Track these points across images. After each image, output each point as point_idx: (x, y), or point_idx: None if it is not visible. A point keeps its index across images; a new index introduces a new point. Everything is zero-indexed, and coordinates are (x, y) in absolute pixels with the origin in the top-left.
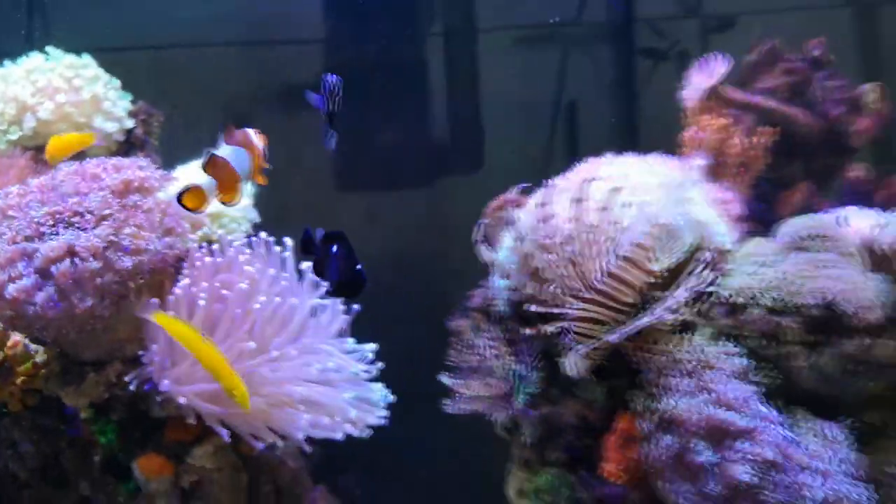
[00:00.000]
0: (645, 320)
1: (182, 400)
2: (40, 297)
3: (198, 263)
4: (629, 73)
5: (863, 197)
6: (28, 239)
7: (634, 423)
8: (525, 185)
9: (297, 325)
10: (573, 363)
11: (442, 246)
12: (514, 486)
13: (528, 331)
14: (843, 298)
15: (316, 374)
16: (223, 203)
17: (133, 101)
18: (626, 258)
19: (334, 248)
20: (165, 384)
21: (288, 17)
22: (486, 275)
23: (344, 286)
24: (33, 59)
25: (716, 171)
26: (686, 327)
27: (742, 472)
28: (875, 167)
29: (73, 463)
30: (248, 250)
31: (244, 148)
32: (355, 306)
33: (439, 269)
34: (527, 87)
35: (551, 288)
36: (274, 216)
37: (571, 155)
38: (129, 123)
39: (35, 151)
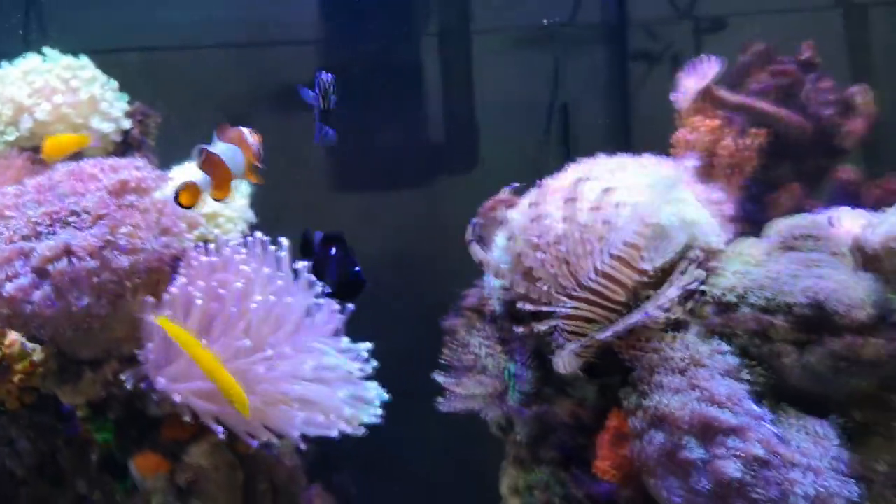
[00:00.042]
0: (636, 318)
1: (177, 398)
2: (37, 295)
3: (194, 263)
4: (623, 74)
5: (853, 197)
6: (25, 238)
7: (626, 421)
8: (517, 184)
9: (292, 324)
10: (564, 361)
11: (437, 246)
12: (508, 483)
13: (520, 329)
14: (832, 297)
15: (311, 373)
16: (215, 200)
17: (130, 102)
18: (617, 257)
19: (333, 250)
20: (161, 382)
21: (283, 19)
22: (480, 274)
23: (343, 288)
24: (30, 61)
25: (707, 172)
26: (677, 326)
27: (732, 469)
28: (865, 168)
29: (70, 461)
30: (243, 250)
31: (238, 146)
32: (350, 306)
33: (434, 268)
34: (521, 88)
35: (543, 287)
36: (270, 216)
37: (565, 155)
38: (126, 124)
39: (32, 152)
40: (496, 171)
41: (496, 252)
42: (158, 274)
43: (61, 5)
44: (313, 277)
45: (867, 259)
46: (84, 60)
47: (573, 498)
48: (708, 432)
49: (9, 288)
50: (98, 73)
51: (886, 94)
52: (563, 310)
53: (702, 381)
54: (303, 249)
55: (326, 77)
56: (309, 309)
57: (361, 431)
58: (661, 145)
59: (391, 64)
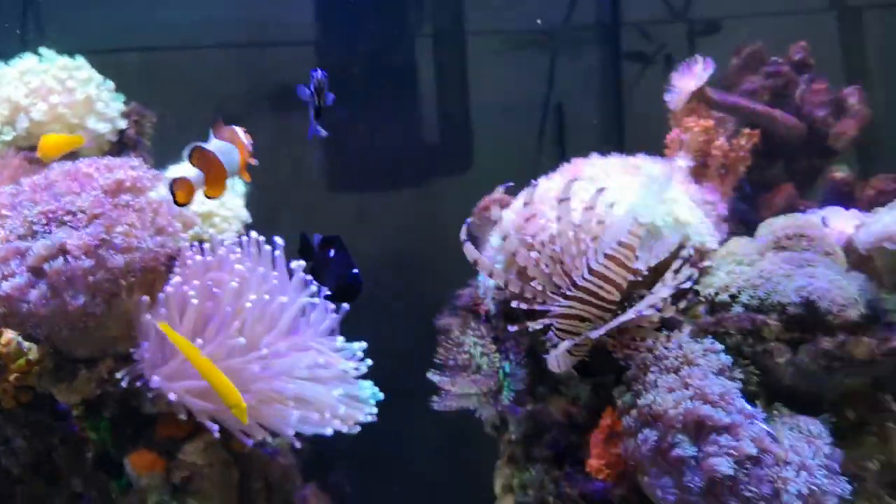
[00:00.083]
0: (627, 316)
1: (172, 396)
2: (34, 294)
3: (189, 262)
4: (617, 75)
5: (844, 198)
6: (21, 237)
7: (620, 419)
8: (510, 183)
9: (286, 323)
10: (558, 359)
11: (431, 246)
12: (502, 482)
13: (514, 328)
14: (824, 297)
15: (305, 371)
16: (208, 197)
17: (126, 102)
18: (611, 257)
19: (331, 253)
20: (155, 380)
21: (279, 20)
22: (474, 274)
23: (341, 290)
24: (27, 61)
25: (701, 172)
26: (671, 325)
27: (724, 466)
28: (858, 169)
29: (65, 459)
30: (238, 249)
31: (232, 144)
32: (345, 306)
33: (428, 268)
34: (516, 89)
35: (537, 286)
36: (265, 216)
37: (560, 156)
38: (122, 124)
39: (28, 152)
40: (491, 172)
41: (490, 251)
42: (153, 273)
43: (58, 5)
44: (308, 277)
45: (859, 259)
46: (80, 61)
47: (566, 496)
48: (700, 430)
49: (5, 287)
50: (94, 73)
51: (880, 96)
52: (557, 308)
53: (694, 380)
54: (301, 252)
55: (320, 75)
56: (303, 308)
57: (356, 430)
58: (655, 146)
59: (386, 65)
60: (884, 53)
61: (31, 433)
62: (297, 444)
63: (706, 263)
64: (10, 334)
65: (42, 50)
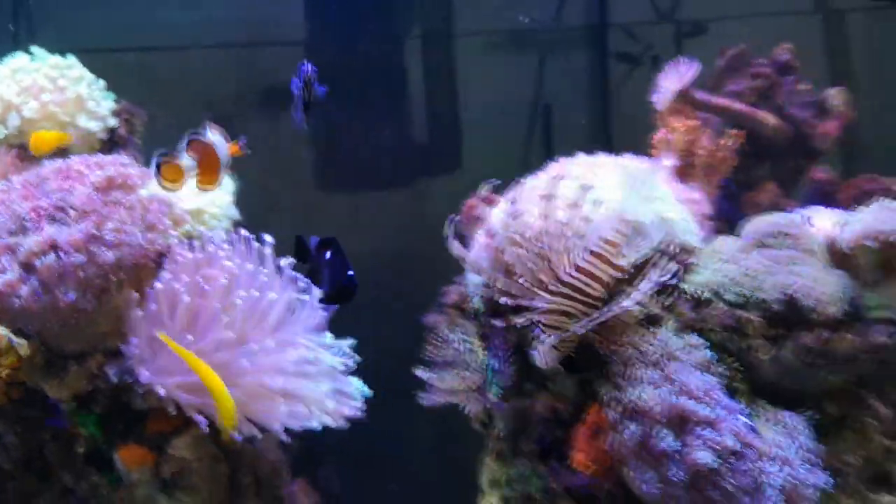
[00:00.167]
0: (611, 311)
1: (161, 391)
2: (25, 290)
3: (179, 258)
4: (604, 76)
5: (827, 197)
6: (12, 234)
7: (603, 414)
8: (495, 181)
9: (275, 319)
10: (542, 354)
11: (420, 244)
12: (488, 477)
13: (498, 323)
14: (805, 293)
15: (293, 367)
16: (202, 186)
17: (116, 101)
18: (595, 254)
19: (327, 255)
20: (145, 375)
21: (270, 20)
22: (462, 272)
23: (337, 292)
24: (18, 60)
25: (686, 172)
26: (652, 321)
27: (705, 458)
28: (842, 169)
29: (56, 455)
30: (228, 246)
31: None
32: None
33: (417, 267)
34: (504, 90)
35: (522, 282)
36: (255, 215)
37: (547, 155)
38: (113, 122)
39: (20, 149)
40: (480, 172)
41: (476, 249)
42: (144, 269)
43: (49, 5)
44: (297, 274)
45: (841, 257)
46: (71, 60)
47: (552, 491)
48: (682, 424)
49: None
50: (85, 71)
51: (864, 98)
52: (543, 304)
53: (676, 375)
54: (298, 254)
55: (309, 69)
56: (292, 305)
57: (344, 425)
58: (641, 146)
59: (375, 66)
60: (868, 55)
61: (23, 429)
62: (286, 438)
63: (690, 261)
64: (0, 330)
65: (34, 49)
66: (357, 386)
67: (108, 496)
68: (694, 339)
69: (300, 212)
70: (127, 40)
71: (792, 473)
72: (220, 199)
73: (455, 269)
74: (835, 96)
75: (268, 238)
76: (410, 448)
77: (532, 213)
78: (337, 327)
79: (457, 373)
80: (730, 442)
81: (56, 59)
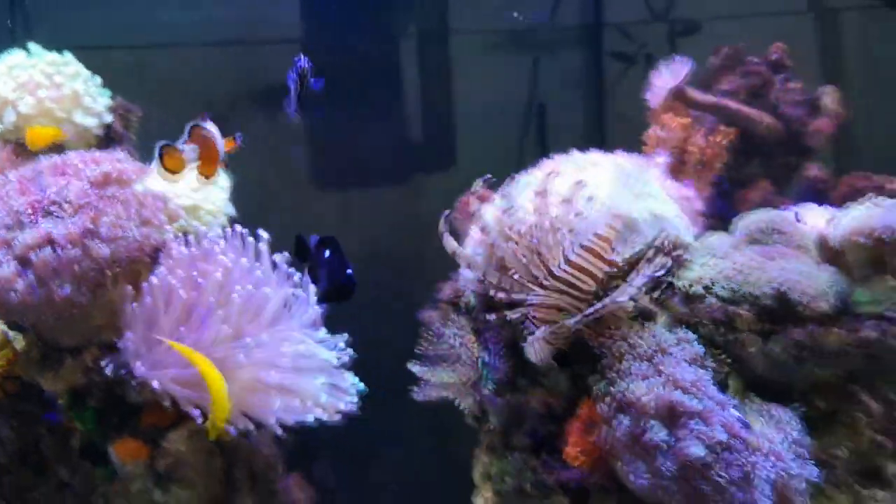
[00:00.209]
0: (603, 304)
1: (156, 384)
2: (21, 283)
3: (174, 253)
4: (598, 75)
5: (820, 195)
6: (8, 228)
7: (596, 408)
8: (490, 177)
9: (270, 314)
10: (535, 348)
11: (414, 241)
12: (480, 470)
13: (491, 316)
14: (796, 288)
15: (288, 361)
16: (202, 175)
17: (112, 98)
18: (588, 249)
19: (326, 253)
20: (140, 368)
21: (266, 19)
22: (456, 268)
23: (336, 290)
24: (15, 56)
25: (678, 169)
26: (644, 315)
27: (694, 450)
28: (834, 167)
29: (52, 449)
30: (223, 241)
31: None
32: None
33: (412, 264)
34: (499, 88)
35: (515, 276)
36: (250, 212)
37: (541, 153)
38: (109, 119)
39: (16, 145)
40: (474, 170)
41: (470, 244)
42: (139, 264)
43: (46, 2)
44: (292, 269)
45: (832, 253)
46: (67, 56)
47: (544, 484)
48: (673, 417)
49: None
50: (81, 68)
51: (857, 96)
52: (535, 298)
53: (667, 368)
54: (297, 253)
55: (304, 62)
56: (287, 300)
57: (338, 419)
58: (635, 143)
59: (371, 63)
60: (860, 54)
61: (18, 423)
62: (280, 432)
63: (682, 256)
64: None
65: (30, 45)
66: (351, 381)
67: (102, 489)
68: (685, 333)
69: (296, 209)
70: (123, 38)
71: (782, 466)
72: (216, 195)
73: (450, 265)
74: (827, 95)
75: (263, 234)
76: (404, 443)
77: (525, 208)
78: (332, 323)
79: (450, 367)
80: (720, 435)
81: (52, 55)
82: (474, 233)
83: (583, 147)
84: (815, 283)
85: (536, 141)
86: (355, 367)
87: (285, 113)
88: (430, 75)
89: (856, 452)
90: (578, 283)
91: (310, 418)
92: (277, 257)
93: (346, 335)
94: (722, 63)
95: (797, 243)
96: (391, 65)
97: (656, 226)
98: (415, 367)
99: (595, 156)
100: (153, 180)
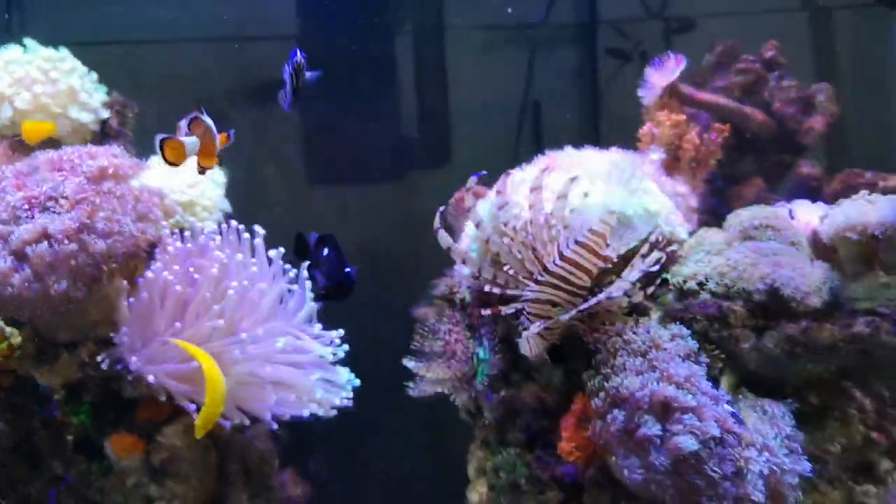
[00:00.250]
0: (597, 299)
1: (151, 378)
2: (17, 278)
3: (170, 248)
4: (593, 73)
5: (812, 192)
6: (4, 223)
7: (589, 404)
8: (483, 173)
9: (265, 309)
10: (529, 342)
11: (410, 238)
12: (475, 465)
13: (485, 311)
14: (788, 284)
15: (282, 356)
16: (201, 166)
17: (108, 93)
18: (580, 244)
19: (325, 251)
20: (134, 362)
21: (260, 15)
22: (451, 265)
23: (335, 288)
24: (11, 52)
25: (672, 166)
26: (638, 311)
27: (686, 443)
28: (826, 164)
29: (46, 442)
30: (218, 237)
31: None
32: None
33: (407, 261)
34: (494, 86)
35: (510, 271)
36: (245, 208)
37: (536, 150)
38: (105, 114)
39: (12, 140)
40: (469, 167)
41: (465, 240)
42: (135, 259)
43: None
44: (287, 265)
45: (824, 249)
46: (64, 52)
47: (538, 479)
48: (666, 411)
49: None
50: (77, 64)
51: (849, 94)
52: (529, 294)
53: (661, 363)
54: (297, 250)
55: (299, 56)
56: (282, 295)
57: (332, 414)
58: (629, 141)
59: (366, 60)
60: (853, 53)
61: (13, 417)
62: (274, 426)
63: (677, 253)
64: None
65: (26, 41)
66: (346, 376)
67: (97, 484)
68: (679, 328)
69: (291, 205)
70: (120, 34)
71: (774, 460)
72: (212, 191)
73: (444, 261)
74: (820, 92)
75: (259, 230)
76: (399, 439)
77: (520, 204)
78: (327, 319)
79: (445, 363)
80: (712, 429)
81: (48, 51)
82: (469, 229)
83: (578, 144)
84: (807, 279)
85: (531, 138)
86: (350, 362)
87: (280, 106)
88: (426, 72)
89: (848, 448)
90: (573, 279)
91: (305, 413)
92: (272, 253)
93: (341, 331)
94: (716, 60)
95: (790, 240)
96: (386, 62)
97: (650, 222)
98: (410, 363)
99: (589, 152)
100: (149, 175)
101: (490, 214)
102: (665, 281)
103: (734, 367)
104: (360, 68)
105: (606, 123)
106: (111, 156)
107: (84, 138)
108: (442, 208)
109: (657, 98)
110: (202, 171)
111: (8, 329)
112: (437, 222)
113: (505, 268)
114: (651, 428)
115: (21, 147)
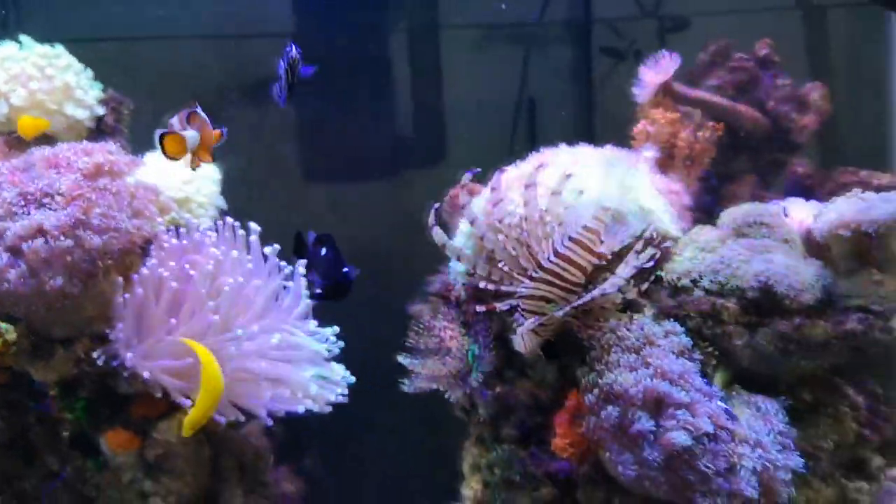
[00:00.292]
0: (591, 295)
1: (146, 374)
2: (12, 274)
3: (165, 245)
4: (588, 71)
5: (805, 190)
6: (0, 219)
7: (583, 400)
8: (477, 170)
9: (260, 306)
10: (522, 338)
11: (404, 235)
12: (469, 462)
13: (480, 307)
14: (781, 281)
15: (277, 352)
16: (197, 161)
17: (104, 90)
18: (574, 240)
19: (323, 251)
20: (129, 357)
21: (256, 11)
22: (446, 262)
23: (332, 288)
24: (7, 48)
25: (666, 164)
26: (632, 308)
27: (679, 438)
28: (820, 162)
29: (41, 438)
30: (213, 234)
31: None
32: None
33: (402, 258)
34: (489, 84)
35: (504, 268)
36: (241, 205)
37: (530, 148)
38: (100, 111)
39: (8, 137)
40: (464, 164)
41: (459, 237)
42: (130, 255)
43: None
44: (283, 263)
45: (817, 247)
46: (59, 49)
47: (532, 475)
48: (658, 407)
49: None
50: (73, 60)
51: (843, 92)
52: (523, 290)
53: (655, 360)
54: (297, 250)
55: (294, 51)
56: (277, 292)
57: (327, 410)
58: (624, 139)
59: (361, 57)
60: (847, 51)
61: (8, 412)
62: (269, 422)
63: (670, 250)
64: None
65: (22, 37)
66: (341, 372)
67: (92, 480)
68: (672, 325)
69: (285, 202)
70: (115, 31)
71: (766, 456)
72: (207, 188)
73: (439, 258)
74: (813, 91)
75: (254, 226)
76: (394, 435)
77: (513, 200)
78: (322, 316)
79: (439, 360)
80: (705, 424)
81: (44, 48)
82: (463, 225)
83: (572, 142)
84: (801, 276)
85: (526, 136)
86: (345, 359)
87: (273, 100)
88: (421, 70)
89: (841, 445)
90: (566, 275)
91: (299, 409)
92: (268, 250)
93: (336, 327)
94: (710, 59)
95: (783, 236)
96: (382, 60)
97: (644, 219)
98: (405, 360)
99: (583, 149)
100: (145, 172)
101: (484, 211)
102: (659, 278)
103: (728, 364)
104: (356, 66)
105: (601, 121)
106: (107, 152)
107: (79, 135)
108: (435, 205)
109: (651, 96)
110: (195, 166)
111: (3, 325)
112: (431, 219)
113: (499, 264)
114: (644, 423)
115: (17, 143)
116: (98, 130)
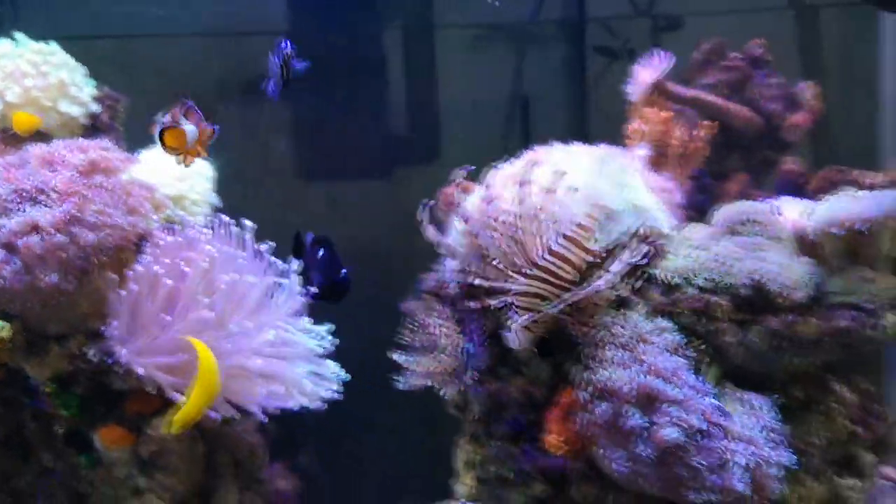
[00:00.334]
0: (584, 291)
1: (140, 370)
2: (7, 270)
3: (160, 242)
4: (582, 70)
5: (797, 188)
6: None
7: (576, 397)
8: (470, 168)
9: (254, 302)
10: (515, 335)
11: (399, 233)
12: (463, 458)
13: (472, 304)
14: (773, 279)
15: (271, 349)
16: (192, 156)
17: (98, 87)
18: (568, 238)
19: (321, 253)
20: (123, 354)
21: (252, 10)
22: (439, 259)
23: (329, 289)
24: (1, 45)
25: (659, 162)
26: (625, 305)
27: (671, 434)
28: (812, 161)
29: (36, 435)
30: (207, 231)
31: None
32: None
33: (396, 255)
34: (483, 83)
35: (497, 265)
36: (235, 202)
37: (525, 145)
38: (95, 108)
39: (3, 134)
40: (458, 163)
41: (453, 235)
42: (125, 252)
43: None
44: (277, 261)
45: (809, 245)
46: (54, 46)
47: (524, 472)
48: (650, 403)
49: None
50: (68, 57)
51: (835, 91)
52: (517, 287)
53: (647, 357)
54: (295, 251)
55: (287, 47)
56: (271, 289)
57: (321, 406)
58: (618, 138)
59: (355, 56)
60: (839, 51)
61: (4, 409)
62: (264, 419)
63: (663, 247)
64: None
65: (17, 35)
66: (334, 369)
67: (86, 476)
68: (664, 322)
69: (279, 200)
70: (110, 28)
71: (758, 453)
72: (201, 185)
73: (433, 256)
74: (806, 90)
75: (248, 223)
76: (387, 432)
77: (507, 198)
78: (316, 313)
79: (433, 357)
80: (696, 421)
81: (38, 45)
82: (457, 223)
83: (566, 140)
84: (792, 273)
85: (520, 134)
86: (339, 356)
87: (265, 95)
88: (415, 69)
89: (832, 442)
90: (559, 272)
91: (293, 405)
92: (262, 247)
93: (330, 324)
94: (703, 58)
95: (774, 234)
96: (376, 58)
97: (636, 216)
98: (398, 357)
99: (576, 147)
100: (139, 169)
101: (477, 209)
102: (651, 275)
103: (720, 361)
104: (350, 64)
105: (594, 120)
106: (101, 149)
107: (74, 132)
108: (429, 202)
109: (645, 95)
110: (188, 163)
111: None
112: (424, 217)
113: (493, 262)
114: (637, 420)
115: (12, 140)
116: (93, 127)
